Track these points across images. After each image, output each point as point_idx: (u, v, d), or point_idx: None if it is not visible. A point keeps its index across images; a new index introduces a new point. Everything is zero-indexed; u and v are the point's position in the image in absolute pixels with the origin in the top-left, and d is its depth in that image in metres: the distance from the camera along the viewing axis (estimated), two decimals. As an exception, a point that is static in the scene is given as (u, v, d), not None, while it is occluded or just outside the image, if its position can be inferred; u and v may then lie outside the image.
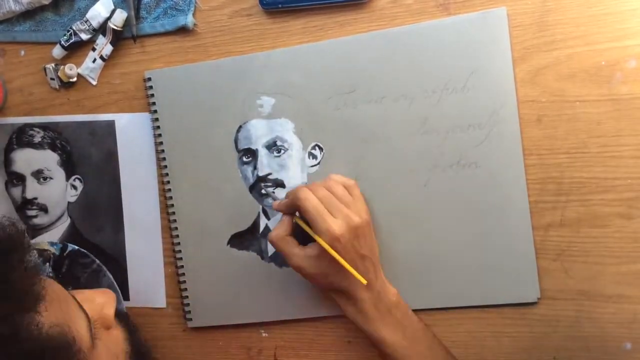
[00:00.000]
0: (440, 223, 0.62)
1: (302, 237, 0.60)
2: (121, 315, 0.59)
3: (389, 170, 0.63)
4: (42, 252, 0.73)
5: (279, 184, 0.66)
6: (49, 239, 0.73)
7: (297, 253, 0.59)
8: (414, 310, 0.63)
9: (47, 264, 0.72)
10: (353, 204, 0.58)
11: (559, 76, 0.59)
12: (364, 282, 0.55)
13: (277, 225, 0.61)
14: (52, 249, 0.72)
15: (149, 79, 0.68)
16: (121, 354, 0.56)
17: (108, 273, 0.71)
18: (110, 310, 0.55)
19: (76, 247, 0.72)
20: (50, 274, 0.72)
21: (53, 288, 0.48)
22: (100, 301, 0.55)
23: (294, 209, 0.60)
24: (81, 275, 0.71)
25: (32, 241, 0.73)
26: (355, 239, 0.57)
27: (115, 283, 0.71)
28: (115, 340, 0.55)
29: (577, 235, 0.60)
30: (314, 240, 0.58)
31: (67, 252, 0.72)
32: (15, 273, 0.44)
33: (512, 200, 0.60)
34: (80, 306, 0.52)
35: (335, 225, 0.56)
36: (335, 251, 0.55)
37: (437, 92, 0.61)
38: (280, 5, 0.64)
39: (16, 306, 0.43)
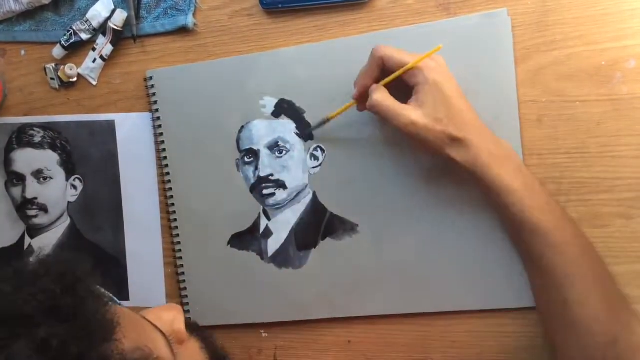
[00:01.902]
0: (440, 226, 0.62)
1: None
2: (191, 326, 0.58)
3: (390, 172, 0.63)
4: None
5: (280, 184, 0.66)
6: (49, 239, 0.73)
7: (407, 109, 0.55)
8: (413, 314, 0.63)
9: None
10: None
11: (559, 76, 0.59)
12: (439, 47, 0.54)
13: (373, 92, 0.57)
14: None
15: (151, 78, 0.68)
16: None
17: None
18: (181, 325, 0.54)
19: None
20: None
21: (123, 312, 0.47)
22: (168, 317, 0.54)
23: (375, 70, 0.57)
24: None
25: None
26: (450, 74, 0.56)
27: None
28: (192, 352, 0.55)
29: (577, 235, 0.60)
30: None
31: None
32: (87, 305, 0.43)
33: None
34: (154, 325, 0.51)
35: (429, 60, 0.55)
36: (442, 88, 0.54)
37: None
38: (280, 5, 0.64)
39: (96, 339, 0.42)
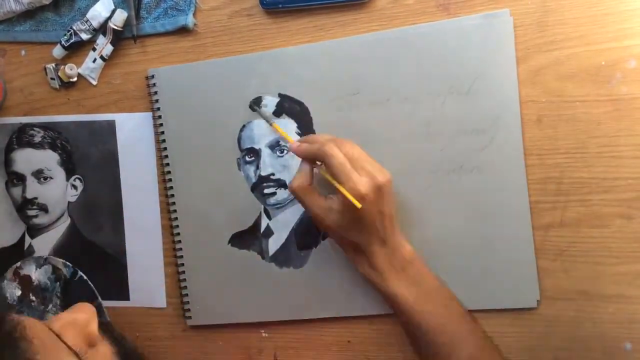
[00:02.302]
0: (441, 227, 0.62)
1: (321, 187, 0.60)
2: (104, 327, 0.57)
3: (391, 172, 0.63)
4: (55, 269, 0.73)
5: (282, 184, 0.66)
6: (50, 239, 0.73)
7: (320, 204, 0.59)
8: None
9: (58, 283, 0.72)
10: (374, 163, 0.58)
11: (559, 76, 0.59)
12: (359, 205, 0.55)
13: (297, 175, 0.60)
14: (64, 271, 0.72)
15: (152, 76, 0.68)
16: None
17: (104, 309, 0.71)
18: (93, 328, 0.53)
19: (85, 277, 0.72)
20: (58, 294, 0.72)
21: (36, 331, 0.47)
22: (81, 320, 0.53)
23: (316, 159, 0.59)
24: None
25: (48, 258, 0.73)
26: (380, 198, 0.57)
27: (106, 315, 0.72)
28: (103, 357, 0.54)
29: (577, 235, 0.60)
30: (333, 191, 0.57)
31: (76, 277, 0.72)
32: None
33: (512, 203, 0.60)
34: (67, 346, 0.49)
35: (361, 184, 0.55)
36: (358, 209, 0.55)
37: (442, 95, 0.61)
38: (280, 5, 0.64)
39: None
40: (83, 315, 0.53)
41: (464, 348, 0.58)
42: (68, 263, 0.72)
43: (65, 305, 0.72)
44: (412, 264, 0.60)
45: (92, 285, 0.72)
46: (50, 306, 0.72)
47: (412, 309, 0.58)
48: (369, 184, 0.56)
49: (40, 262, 0.73)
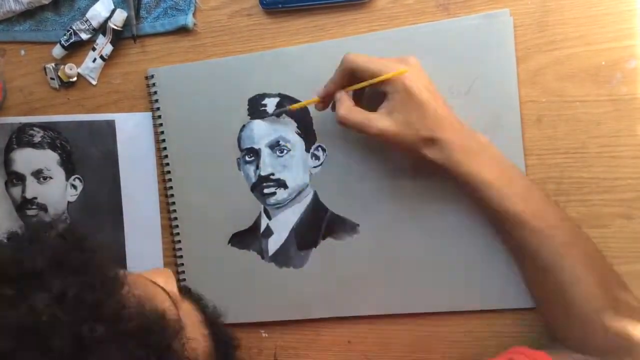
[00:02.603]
0: (440, 226, 0.62)
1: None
2: (184, 289, 0.59)
3: (392, 173, 0.63)
4: None
5: (281, 184, 0.66)
6: (49, 239, 0.73)
7: (375, 116, 0.56)
8: (413, 314, 0.63)
9: None
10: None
11: (559, 76, 0.59)
12: (406, 70, 0.54)
13: (338, 105, 0.57)
14: None
15: (152, 76, 0.68)
16: (198, 324, 0.55)
17: None
18: (173, 287, 0.54)
19: None
20: None
21: (125, 271, 0.48)
22: (161, 280, 0.54)
23: (344, 78, 0.58)
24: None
25: None
26: (419, 72, 0.56)
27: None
28: (187, 312, 0.55)
29: (577, 235, 0.60)
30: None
31: None
32: (95, 259, 0.45)
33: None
34: (155, 283, 0.52)
35: (392, 62, 0.55)
36: (413, 94, 0.54)
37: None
38: (280, 5, 0.64)
39: (110, 289, 0.43)
40: (161, 276, 0.54)
41: (558, 235, 0.54)
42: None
43: None
44: (489, 147, 0.57)
45: None
46: None
47: (495, 192, 0.55)
48: (399, 60, 0.55)
49: None
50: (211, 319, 0.57)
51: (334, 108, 0.59)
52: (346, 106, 0.57)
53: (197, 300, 0.58)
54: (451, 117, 0.56)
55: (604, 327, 0.52)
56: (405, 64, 0.55)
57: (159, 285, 0.52)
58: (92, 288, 0.42)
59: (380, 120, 0.55)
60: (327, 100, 0.60)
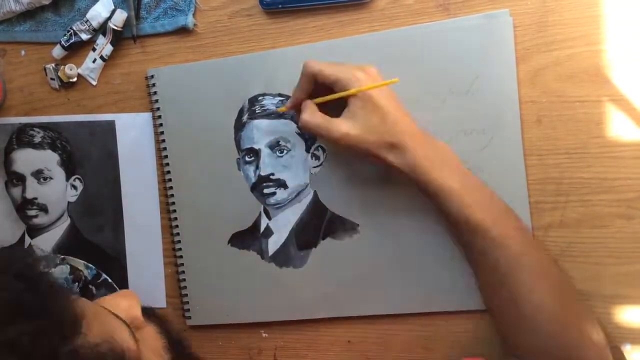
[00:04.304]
0: (440, 226, 0.62)
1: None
2: (147, 312, 0.58)
3: (391, 173, 0.63)
4: (74, 270, 0.73)
5: (281, 184, 0.66)
6: (49, 239, 0.73)
7: (338, 120, 0.57)
8: (411, 315, 0.63)
9: (77, 284, 0.72)
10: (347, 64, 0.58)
11: (559, 76, 0.59)
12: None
13: (303, 111, 0.58)
14: (86, 272, 0.72)
15: (152, 76, 0.68)
16: (159, 350, 0.55)
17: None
18: (137, 311, 0.54)
19: (110, 280, 0.72)
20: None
21: (85, 304, 0.47)
22: (125, 305, 0.54)
23: (308, 87, 0.59)
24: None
25: (65, 258, 0.73)
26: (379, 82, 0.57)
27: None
28: (150, 337, 0.55)
29: (577, 235, 0.60)
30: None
31: (100, 279, 0.72)
32: (52, 300, 0.43)
33: (512, 203, 0.60)
34: (115, 315, 0.51)
35: (360, 73, 0.56)
36: (373, 98, 0.55)
37: (442, 95, 0.61)
38: (280, 5, 0.64)
39: (66, 333, 0.42)
40: (125, 300, 0.54)
41: (512, 245, 0.55)
42: (91, 265, 0.72)
43: None
44: (451, 158, 0.58)
45: (117, 288, 0.72)
46: None
47: (456, 200, 0.55)
48: (358, 68, 0.56)
49: (56, 262, 0.73)
50: (175, 341, 0.57)
51: (298, 116, 0.60)
52: (309, 111, 0.58)
53: (160, 323, 0.58)
54: (412, 125, 0.57)
55: (554, 337, 0.53)
56: (363, 71, 0.56)
57: (119, 318, 0.50)
58: (48, 333, 0.40)
59: (343, 124, 0.56)
60: (297, 110, 0.61)
